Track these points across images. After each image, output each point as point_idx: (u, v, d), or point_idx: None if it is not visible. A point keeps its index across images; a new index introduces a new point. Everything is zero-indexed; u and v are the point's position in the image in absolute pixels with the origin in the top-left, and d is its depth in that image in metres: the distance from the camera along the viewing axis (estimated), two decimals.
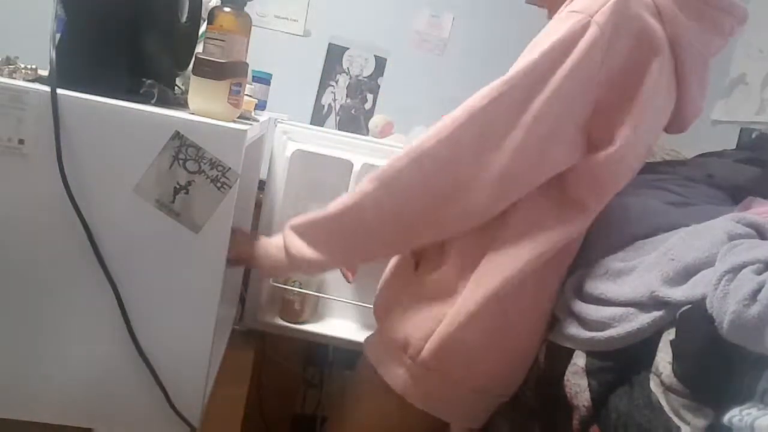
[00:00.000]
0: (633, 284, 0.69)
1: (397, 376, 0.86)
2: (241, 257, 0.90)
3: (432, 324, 0.83)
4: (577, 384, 0.73)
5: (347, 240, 0.85)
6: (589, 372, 0.72)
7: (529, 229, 0.81)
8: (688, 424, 0.58)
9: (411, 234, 0.82)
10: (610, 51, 0.74)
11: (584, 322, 0.75)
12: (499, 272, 0.80)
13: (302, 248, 0.85)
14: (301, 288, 1.32)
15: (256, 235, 0.98)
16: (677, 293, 0.63)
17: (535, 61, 0.74)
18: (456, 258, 0.84)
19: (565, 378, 0.75)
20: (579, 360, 0.74)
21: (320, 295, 1.38)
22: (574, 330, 0.76)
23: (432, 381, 0.84)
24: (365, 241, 0.85)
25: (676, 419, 0.59)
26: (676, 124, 0.89)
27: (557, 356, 0.79)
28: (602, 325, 0.71)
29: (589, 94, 0.76)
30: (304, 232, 0.86)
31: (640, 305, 0.67)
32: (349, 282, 1.17)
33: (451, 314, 0.82)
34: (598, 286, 0.75)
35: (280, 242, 0.88)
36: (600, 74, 0.75)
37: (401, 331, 0.86)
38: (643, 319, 0.66)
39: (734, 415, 0.53)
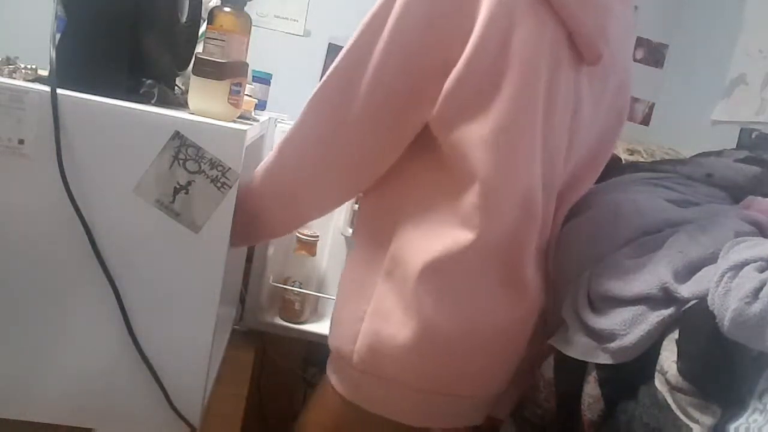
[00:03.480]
0: (643, 278, 0.69)
1: (342, 383, 0.87)
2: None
3: (356, 325, 0.83)
4: (590, 395, 0.72)
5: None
6: (602, 382, 0.72)
7: (424, 214, 0.80)
8: (697, 422, 0.58)
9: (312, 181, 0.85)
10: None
11: (594, 333, 0.73)
12: (403, 262, 0.80)
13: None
14: (301, 288, 1.32)
15: None
16: (683, 289, 0.63)
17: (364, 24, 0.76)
18: (364, 253, 0.86)
19: (583, 393, 0.74)
20: (592, 371, 0.73)
21: (320, 295, 1.38)
22: (584, 341, 0.74)
23: (372, 383, 0.83)
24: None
25: (684, 418, 0.59)
26: (585, 48, 0.79)
27: (568, 368, 0.78)
28: (612, 336, 0.70)
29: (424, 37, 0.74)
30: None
31: (650, 301, 0.67)
32: None
33: (368, 311, 0.82)
34: (604, 283, 0.74)
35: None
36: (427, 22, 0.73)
37: (336, 339, 0.87)
38: (653, 319, 0.65)
39: (741, 424, 0.53)
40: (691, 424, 0.58)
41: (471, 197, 0.75)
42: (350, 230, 1.37)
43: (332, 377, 0.89)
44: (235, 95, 0.83)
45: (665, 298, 0.66)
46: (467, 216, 0.76)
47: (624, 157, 1.40)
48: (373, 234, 0.85)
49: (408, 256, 0.79)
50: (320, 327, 1.37)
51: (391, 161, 0.81)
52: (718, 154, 1.02)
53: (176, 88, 1.01)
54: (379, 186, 0.85)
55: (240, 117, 0.92)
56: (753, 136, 1.70)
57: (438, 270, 0.77)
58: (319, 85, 0.79)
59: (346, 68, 0.77)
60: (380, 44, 0.74)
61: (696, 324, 0.61)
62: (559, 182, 0.86)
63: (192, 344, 0.82)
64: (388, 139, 0.80)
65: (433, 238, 0.78)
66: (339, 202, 0.91)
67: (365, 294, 0.83)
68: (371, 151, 0.81)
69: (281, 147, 0.84)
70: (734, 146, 1.70)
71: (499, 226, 0.76)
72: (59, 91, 0.73)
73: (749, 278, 0.56)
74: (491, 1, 0.71)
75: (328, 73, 0.78)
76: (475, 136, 0.73)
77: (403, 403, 0.83)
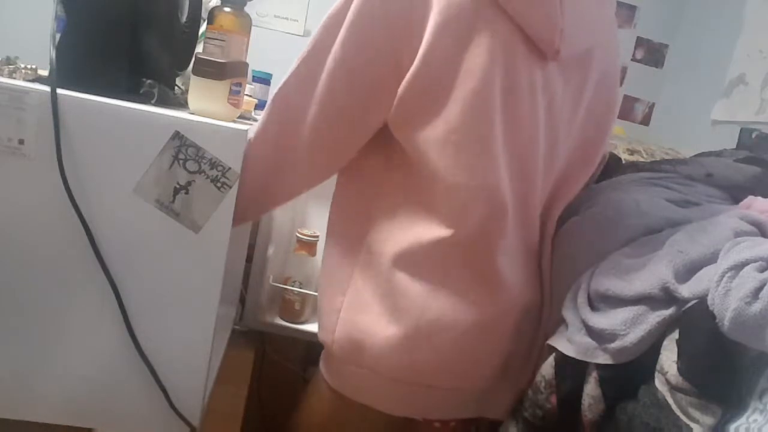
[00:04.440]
0: (644, 277, 0.69)
1: (328, 372, 0.89)
2: None
3: (334, 316, 0.85)
4: (591, 395, 0.72)
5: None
6: (602, 382, 0.72)
7: (397, 208, 0.82)
8: (697, 422, 0.58)
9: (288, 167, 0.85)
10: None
11: (594, 333, 0.73)
12: (377, 254, 0.81)
13: None
14: (301, 288, 1.32)
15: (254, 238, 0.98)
16: (684, 289, 0.63)
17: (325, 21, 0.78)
18: (338, 244, 0.87)
19: (584, 394, 0.74)
20: (592, 371, 0.73)
21: None
22: (585, 341, 0.74)
23: (353, 373, 0.84)
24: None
25: (684, 418, 0.59)
26: (540, 43, 0.77)
27: (568, 369, 0.77)
28: (612, 336, 0.70)
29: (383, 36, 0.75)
30: None
31: (651, 301, 0.67)
32: None
33: (345, 302, 0.84)
34: (604, 282, 0.74)
35: None
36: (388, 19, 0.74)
37: (320, 331, 0.89)
38: (653, 319, 0.65)
39: (741, 424, 0.53)
40: (692, 424, 0.58)
41: (436, 194, 0.78)
42: None
43: (321, 367, 0.92)
44: (235, 95, 0.84)
45: (666, 297, 0.66)
46: (434, 212, 0.78)
47: (624, 157, 1.40)
48: (348, 226, 0.87)
49: (382, 248, 0.81)
50: None
51: (353, 153, 0.83)
52: (718, 154, 1.02)
53: (176, 88, 1.01)
54: (352, 180, 0.86)
55: (240, 117, 0.93)
56: (753, 136, 1.71)
57: (410, 262, 0.79)
58: (280, 84, 0.81)
59: (305, 69, 0.79)
60: (336, 46, 0.76)
61: (696, 324, 0.61)
62: (543, 178, 0.86)
63: (192, 344, 0.82)
64: (346, 138, 0.82)
65: (406, 231, 0.80)
66: (305, 188, 0.91)
67: (341, 285, 0.85)
68: (329, 148, 0.83)
69: (252, 137, 0.84)
70: (734, 146, 1.70)
71: (465, 222, 0.78)
72: (59, 91, 0.73)
73: (749, 278, 0.56)
74: (440, 9, 0.72)
75: (288, 73, 0.80)
76: (429, 137, 0.76)
77: (383, 392, 0.84)
